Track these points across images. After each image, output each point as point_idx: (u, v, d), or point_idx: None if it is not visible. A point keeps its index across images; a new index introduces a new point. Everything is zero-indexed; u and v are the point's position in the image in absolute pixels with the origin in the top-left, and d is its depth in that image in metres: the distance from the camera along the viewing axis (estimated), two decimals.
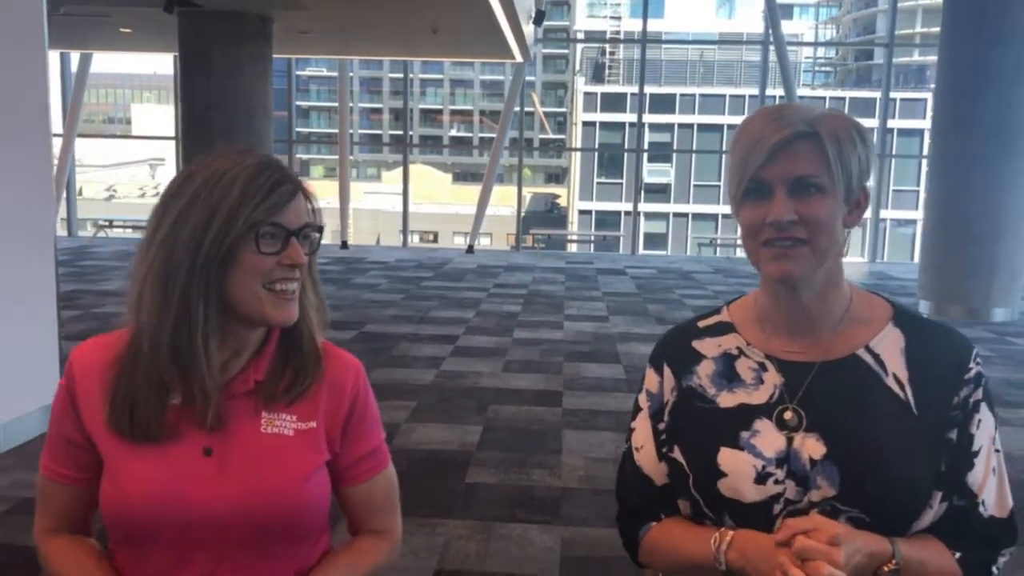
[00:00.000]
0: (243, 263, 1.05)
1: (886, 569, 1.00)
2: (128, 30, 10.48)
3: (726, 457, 1.07)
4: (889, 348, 1.09)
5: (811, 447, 1.05)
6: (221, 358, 1.10)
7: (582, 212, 34.19)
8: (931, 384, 1.07)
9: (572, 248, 23.05)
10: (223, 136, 8.88)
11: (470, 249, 13.89)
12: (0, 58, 4.12)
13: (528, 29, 11.07)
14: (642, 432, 1.19)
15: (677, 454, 1.13)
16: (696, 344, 1.17)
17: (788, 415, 1.07)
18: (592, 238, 26.85)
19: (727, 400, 1.11)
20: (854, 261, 15.65)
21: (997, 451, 1.09)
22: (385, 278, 10.48)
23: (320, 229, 1.13)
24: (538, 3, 11.98)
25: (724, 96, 34.02)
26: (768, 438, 1.07)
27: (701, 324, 1.20)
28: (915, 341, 1.09)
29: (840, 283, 1.10)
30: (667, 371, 1.18)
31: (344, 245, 14.04)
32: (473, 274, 11.20)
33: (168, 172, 36.59)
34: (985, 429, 1.07)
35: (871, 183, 1.08)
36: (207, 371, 1.06)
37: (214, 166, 1.06)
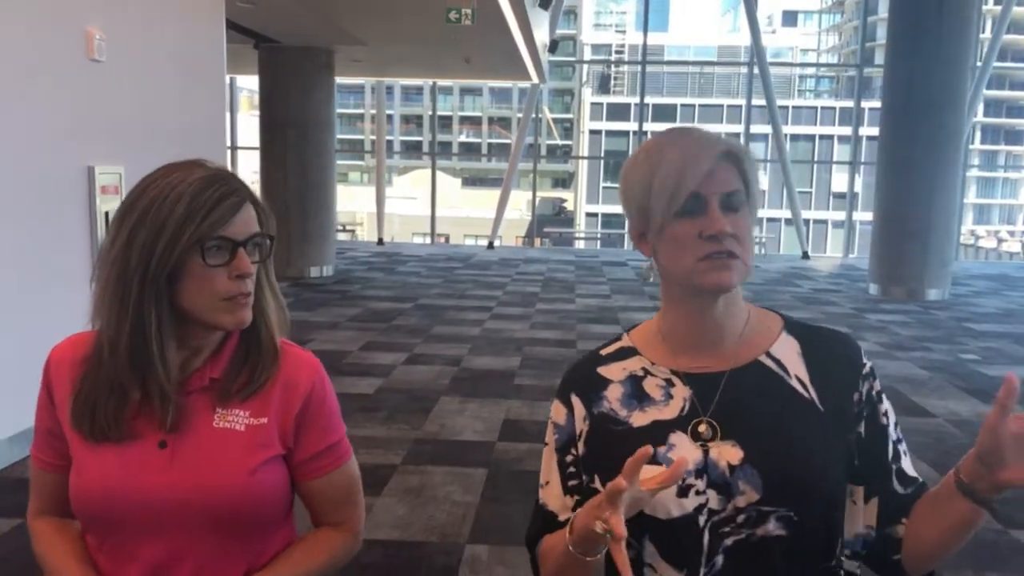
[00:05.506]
0: (193, 275, 1.09)
1: None
2: None
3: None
4: (787, 353, 1.12)
5: (728, 454, 1.05)
6: (180, 357, 1.14)
7: (589, 215, 36.16)
8: (832, 384, 1.09)
9: (579, 244, 25.01)
10: (296, 148, 10.83)
11: (490, 245, 15.84)
12: (192, 83, 5.24)
13: (544, 56, 12.98)
14: (547, 467, 1.18)
15: (598, 483, 1.10)
16: (601, 370, 1.17)
17: (702, 428, 1.07)
18: (599, 235, 28.74)
19: (640, 419, 1.10)
20: (831, 256, 17.53)
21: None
22: (423, 267, 12.41)
23: (272, 237, 1.16)
24: (552, 34, 13.92)
25: (722, 106, 35.94)
26: (684, 451, 1.06)
27: (603, 352, 1.20)
28: (809, 346, 1.13)
29: (739, 299, 1.13)
30: (576, 401, 1.16)
31: (380, 242, 16.01)
32: (497, 265, 13.14)
33: None
34: (891, 417, 1.11)
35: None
36: (163, 376, 1.11)
37: (163, 182, 1.09)
